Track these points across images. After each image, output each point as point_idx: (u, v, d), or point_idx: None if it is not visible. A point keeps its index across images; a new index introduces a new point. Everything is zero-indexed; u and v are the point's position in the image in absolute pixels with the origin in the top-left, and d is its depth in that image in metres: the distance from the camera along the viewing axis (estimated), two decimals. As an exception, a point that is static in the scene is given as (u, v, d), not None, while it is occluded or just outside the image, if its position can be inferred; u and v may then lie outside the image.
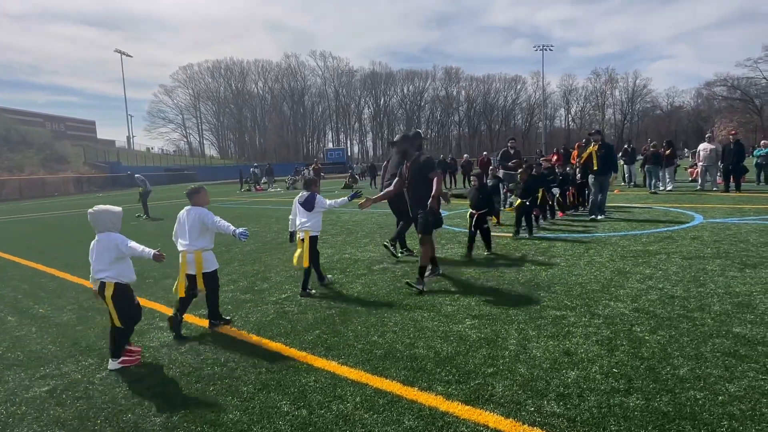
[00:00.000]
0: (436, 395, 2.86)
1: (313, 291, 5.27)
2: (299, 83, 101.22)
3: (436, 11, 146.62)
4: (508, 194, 10.71)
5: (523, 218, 7.95)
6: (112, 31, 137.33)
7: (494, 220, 9.25)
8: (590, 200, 9.95)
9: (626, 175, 18.28)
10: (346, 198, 5.47)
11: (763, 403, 2.56)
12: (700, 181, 15.33)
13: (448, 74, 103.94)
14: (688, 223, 8.54)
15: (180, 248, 4.21)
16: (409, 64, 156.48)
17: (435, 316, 4.27)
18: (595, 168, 9.43)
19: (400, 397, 2.86)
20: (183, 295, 4.21)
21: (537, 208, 8.62)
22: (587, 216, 9.82)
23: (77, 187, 45.64)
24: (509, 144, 12.10)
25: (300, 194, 5.42)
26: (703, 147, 15.17)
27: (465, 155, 25.58)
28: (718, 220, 8.61)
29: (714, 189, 14.62)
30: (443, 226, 6.49)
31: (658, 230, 7.95)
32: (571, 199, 10.90)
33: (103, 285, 3.52)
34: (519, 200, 8.01)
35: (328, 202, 5.37)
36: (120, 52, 68.07)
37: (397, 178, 5.64)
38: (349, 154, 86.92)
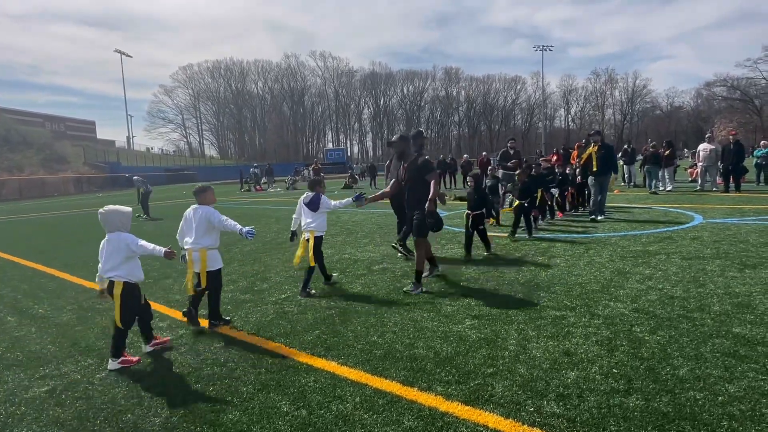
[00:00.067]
0: (435, 395, 2.86)
1: (313, 291, 5.27)
2: (299, 83, 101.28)
3: (436, 11, 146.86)
4: (507, 195, 10.69)
5: (521, 219, 7.94)
6: (112, 31, 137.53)
7: (491, 221, 9.23)
8: (590, 201, 9.94)
9: (626, 176, 18.28)
10: (350, 199, 5.44)
11: (762, 404, 2.56)
12: (699, 181, 15.34)
13: (448, 74, 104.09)
14: (687, 223, 8.54)
15: (186, 246, 4.24)
16: (409, 64, 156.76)
17: (435, 317, 4.27)
18: (595, 169, 9.43)
19: (399, 398, 2.86)
20: (193, 293, 4.25)
21: (535, 209, 8.60)
22: (587, 217, 9.82)
23: (77, 188, 45.63)
24: (509, 144, 12.09)
25: (305, 194, 5.44)
26: (703, 147, 15.18)
27: (465, 155, 25.55)
28: (717, 221, 8.61)
29: (714, 189, 14.63)
30: (444, 227, 6.46)
31: (657, 230, 7.95)
32: (570, 199, 10.90)
33: (112, 284, 3.57)
34: (517, 201, 7.99)
35: (332, 203, 5.38)
36: (120, 52, 68.19)
37: (393, 179, 5.58)
38: (349, 154, 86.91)
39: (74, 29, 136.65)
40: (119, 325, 3.55)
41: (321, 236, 5.37)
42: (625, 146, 18.48)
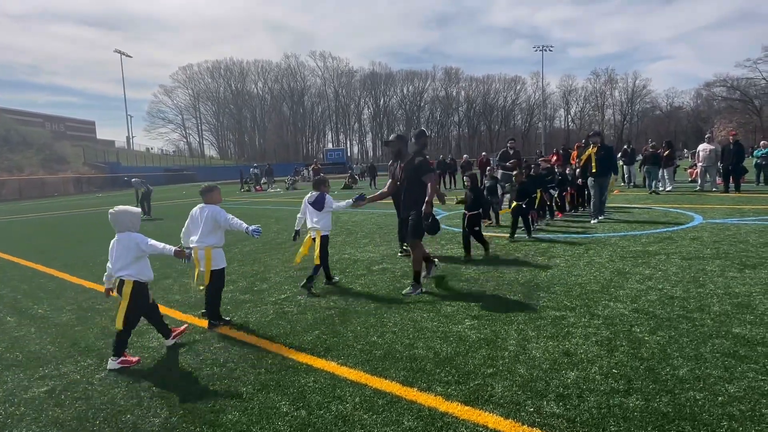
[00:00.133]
0: (435, 396, 2.86)
1: (313, 291, 5.27)
2: (299, 83, 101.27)
3: (436, 11, 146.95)
4: (506, 195, 10.66)
5: (519, 220, 7.89)
6: (112, 31, 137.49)
7: (486, 222, 9.18)
8: (591, 202, 9.92)
9: (626, 176, 18.29)
10: (351, 200, 5.41)
11: (762, 404, 2.56)
12: (699, 181, 15.34)
13: (447, 75, 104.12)
14: (687, 223, 8.54)
15: (191, 245, 4.28)
16: (409, 64, 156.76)
17: (434, 317, 4.27)
18: (594, 170, 9.41)
19: (399, 398, 2.86)
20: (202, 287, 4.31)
21: (533, 210, 8.49)
22: (587, 217, 9.81)
23: (77, 188, 45.61)
24: (508, 144, 12.10)
25: (309, 194, 5.48)
26: (703, 147, 15.18)
27: (465, 155, 25.55)
28: (717, 221, 8.61)
29: (713, 189, 14.63)
30: (441, 228, 6.44)
31: (657, 231, 7.95)
32: (570, 199, 10.89)
33: (122, 282, 3.60)
34: (514, 202, 7.92)
35: (335, 203, 5.39)
36: (120, 52, 68.15)
37: (390, 180, 5.49)
38: (349, 154, 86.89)
39: (74, 29, 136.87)
40: (119, 326, 3.56)
41: (327, 235, 5.40)
42: (625, 146, 18.48)
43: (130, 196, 19.25)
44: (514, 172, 8.76)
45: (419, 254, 5.13)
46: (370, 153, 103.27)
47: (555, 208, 10.14)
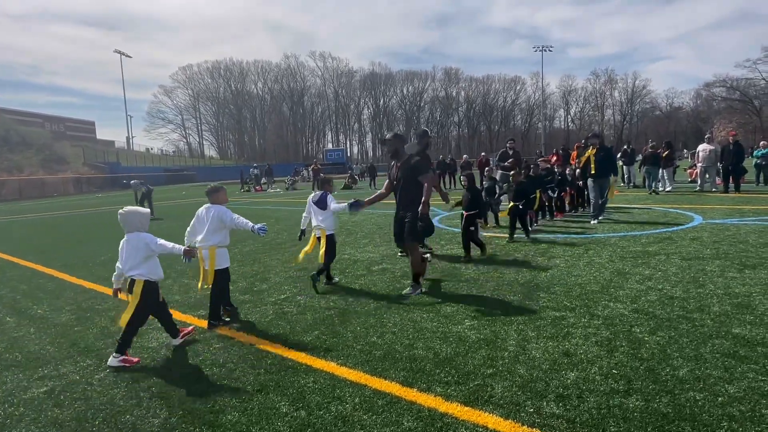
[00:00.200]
0: (435, 396, 2.86)
1: (317, 287, 5.32)
2: (299, 84, 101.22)
3: (435, 12, 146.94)
4: (503, 196, 10.63)
5: (517, 221, 7.84)
6: (111, 31, 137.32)
7: (481, 223, 9.14)
8: (591, 204, 9.91)
9: (625, 176, 18.30)
10: (345, 205, 5.26)
11: (762, 404, 2.56)
12: (699, 181, 15.34)
13: (447, 75, 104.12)
14: (687, 223, 8.54)
15: (196, 244, 4.30)
16: (409, 64, 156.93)
17: (434, 317, 4.26)
18: (593, 172, 9.39)
19: (399, 398, 2.86)
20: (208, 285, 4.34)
21: (530, 211, 8.42)
22: (587, 218, 9.80)
23: (77, 188, 45.61)
24: (508, 144, 12.11)
25: (313, 194, 5.51)
26: (703, 148, 15.18)
27: (464, 156, 25.55)
28: (717, 221, 8.61)
29: (713, 190, 14.63)
30: (434, 232, 6.42)
31: (657, 231, 7.95)
32: (570, 200, 10.88)
33: (133, 282, 3.64)
34: (511, 203, 7.85)
35: (333, 203, 5.38)
36: (119, 52, 68.15)
37: (386, 181, 5.43)
38: (349, 154, 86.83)
39: (74, 29, 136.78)
40: (122, 324, 3.59)
41: (333, 234, 5.40)
42: (625, 147, 18.50)
43: (130, 197, 19.24)
44: (512, 172, 8.73)
45: (418, 256, 5.11)
46: (370, 153, 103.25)
47: (555, 208, 10.13)
